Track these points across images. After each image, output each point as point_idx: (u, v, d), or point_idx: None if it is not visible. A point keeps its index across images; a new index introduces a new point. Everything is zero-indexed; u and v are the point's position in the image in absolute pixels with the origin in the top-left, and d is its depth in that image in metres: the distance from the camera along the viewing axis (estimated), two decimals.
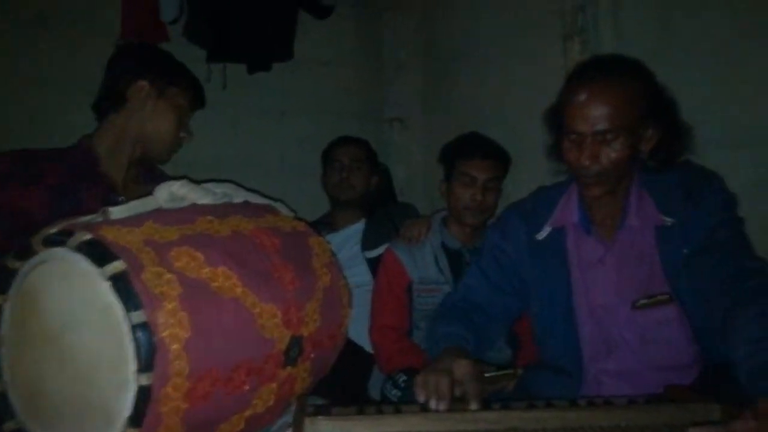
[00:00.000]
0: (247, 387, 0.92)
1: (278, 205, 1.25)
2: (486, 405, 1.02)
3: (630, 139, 1.24)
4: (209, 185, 1.16)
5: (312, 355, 1.06)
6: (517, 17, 2.07)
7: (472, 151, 1.79)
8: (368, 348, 1.86)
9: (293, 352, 1.01)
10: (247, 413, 0.95)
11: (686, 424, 0.89)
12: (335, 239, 2.13)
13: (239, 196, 1.17)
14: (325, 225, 2.20)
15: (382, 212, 2.13)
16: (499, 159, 1.81)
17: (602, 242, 1.36)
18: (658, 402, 1.05)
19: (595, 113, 1.22)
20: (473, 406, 1.01)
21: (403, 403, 1.12)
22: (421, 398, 1.04)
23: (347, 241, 2.11)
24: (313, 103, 2.66)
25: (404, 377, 1.53)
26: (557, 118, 1.32)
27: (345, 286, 1.21)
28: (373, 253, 2.01)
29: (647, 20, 1.69)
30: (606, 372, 1.33)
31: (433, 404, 1.02)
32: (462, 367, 1.10)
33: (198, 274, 0.89)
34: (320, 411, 0.98)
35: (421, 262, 1.82)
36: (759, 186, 1.48)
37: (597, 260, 1.35)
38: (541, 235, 1.41)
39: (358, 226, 2.13)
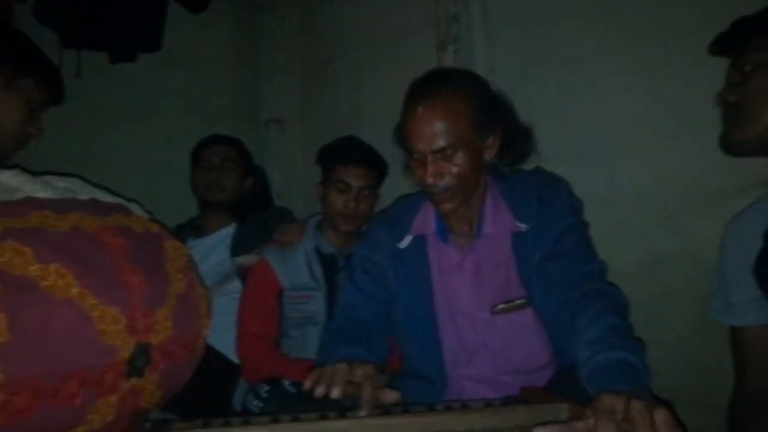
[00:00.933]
0: (79, 400, 0.84)
1: (132, 205, 1.17)
2: (342, 413, 1.01)
3: (470, 151, 1.28)
4: (49, 178, 1.06)
5: (162, 366, 0.99)
6: (395, 23, 2.11)
7: (348, 157, 1.78)
8: (236, 358, 1.80)
9: (139, 361, 0.94)
10: (80, 430, 0.87)
11: (537, 425, 0.92)
12: (203, 244, 2.05)
13: (85, 193, 1.08)
14: (192, 229, 2.10)
15: (256, 216, 2.07)
16: (375, 166, 1.81)
17: (460, 250, 1.40)
18: (513, 404, 1.08)
19: (430, 131, 1.25)
20: (363, 411, 1.00)
21: (268, 413, 1.08)
22: (308, 384, 1.03)
23: (216, 246, 2.03)
24: (184, 100, 2.54)
25: (267, 387, 1.48)
26: (402, 136, 1.35)
27: (203, 294, 1.15)
28: (244, 259, 1.94)
29: (513, 32, 1.77)
30: (468, 377, 1.36)
31: (319, 390, 1.01)
32: (364, 369, 1.10)
33: (24, 271, 0.81)
34: (159, 426, 0.92)
35: (294, 268, 1.79)
36: (608, 193, 1.60)
37: (455, 267, 1.39)
38: (403, 243, 1.43)
39: (228, 231, 2.05)
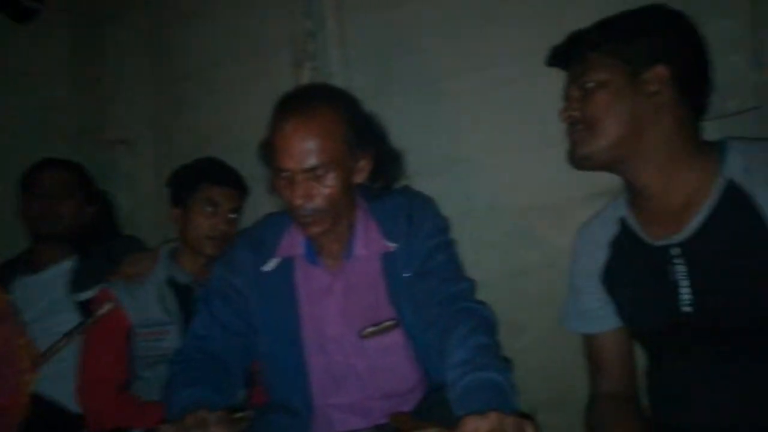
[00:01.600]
0: None
1: None
2: None
3: (342, 172, 1.24)
4: None
5: None
6: (251, 39, 2.03)
7: (218, 177, 1.69)
8: (77, 408, 1.61)
9: None
10: None
11: None
12: (37, 281, 1.83)
13: None
14: (23, 265, 1.87)
15: (100, 247, 1.87)
16: (242, 188, 1.74)
17: (330, 272, 1.35)
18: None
19: (301, 149, 1.20)
20: None
21: None
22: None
23: (52, 283, 1.81)
24: (14, 118, 2.28)
25: None
26: (269, 153, 1.28)
27: (25, 345, 0.99)
28: (85, 296, 1.74)
29: (370, 50, 1.77)
30: (336, 406, 1.31)
31: None
32: (212, 416, 1.04)
33: None
34: None
35: (143, 303, 1.63)
36: (465, 207, 1.62)
37: (325, 291, 1.34)
38: (268, 266, 1.35)
39: (66, 265, 1.84)
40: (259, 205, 1.77)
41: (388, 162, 1.37)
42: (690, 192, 1.11)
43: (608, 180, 1.22)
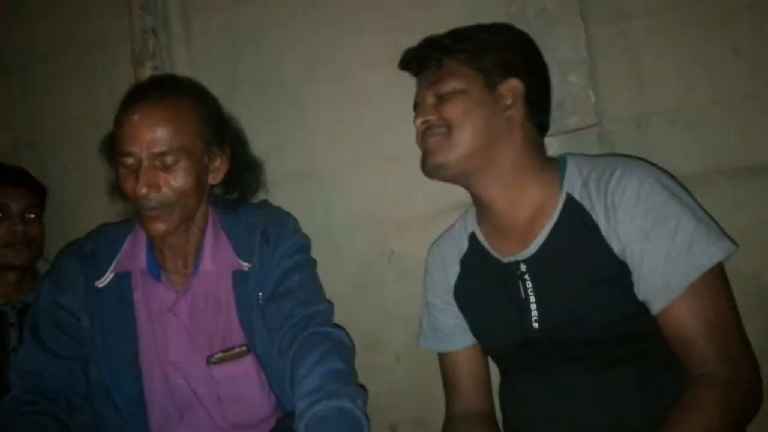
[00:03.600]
0: None
1: None
2: None
3: (195, 166, 1.17)
4: None
5: None
6: (84, 34, 1.85)
7: (2, 177, 1.56)
8: None
9: None
10: None
11: None
12: None
13: None
14: None
15: None
16: (32, 185, 1.61)
17: (174, 289, 1.25)
18: None
19: (151, 132, 1.12)
20: None
21: None
22: None
23: None
24: None
25: None
26: (113, 146, 1.19)
27: None
28: None
29: (216, 50, 1.69)
30: None
31: None
32: None
33: None
34: None
35: None
36: (323, 218, 1.59)
37: (168, 310, 1.24)
38: (103, 282, 1.23)
39: None
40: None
41: (245, 169, 1.31)
42: (535, 208, 1.14)
43: (459, 193, 1.24)
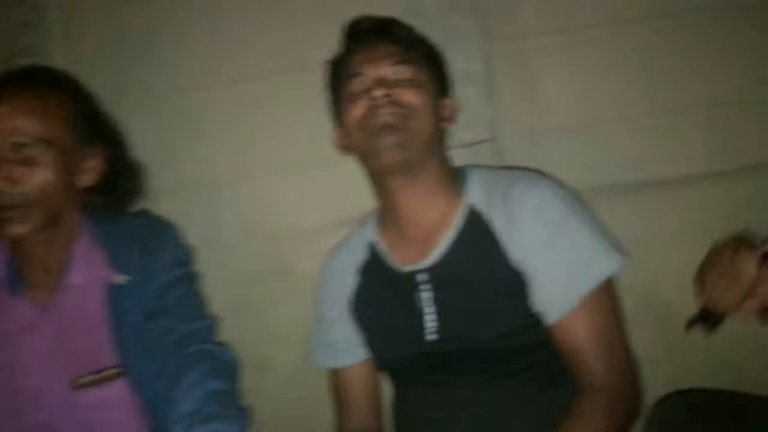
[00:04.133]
0: None
1: None
2: None
3: (62, 163, 1.07)
4: None
5: None
6: None
7: None
8: None
9: None
10: None
11: None
12: None
13: None
14: None
15: None
16: None
17: (37, 305, 1.13)
18: None
19: (12, 120, 1.04)
20: None
21: None
22: None
23: None
24: None
25: None
26: None
27: None
28: None
29: (101, 52, 1.57)
30: None
31: None
32: None
33: None
34: None
35: None
36: (212, 230, 1.51)
37: (28, 328, 1.12)
38: None
39: None
40: None
41: (123, 173, 1.22)
42: (438, 217, 1.14)
43: (359, 206, 1.20)
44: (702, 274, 0.91)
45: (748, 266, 0.85)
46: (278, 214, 1.50)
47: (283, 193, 1.49)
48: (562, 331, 1.04)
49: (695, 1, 1.39)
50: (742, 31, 1.37)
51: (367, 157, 1.13)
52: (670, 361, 1.31)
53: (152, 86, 1.54)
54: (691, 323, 0.93)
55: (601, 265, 1.05)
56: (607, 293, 1.06)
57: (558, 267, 1.04)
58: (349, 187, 1.30)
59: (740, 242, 0.88)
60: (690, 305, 0.94)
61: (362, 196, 1.23)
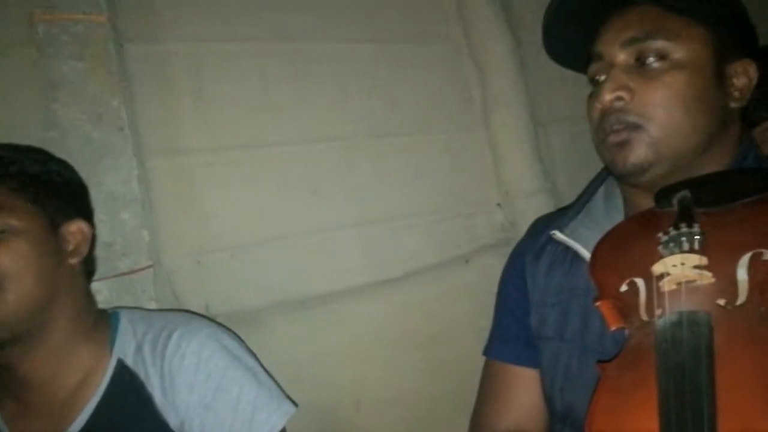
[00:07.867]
0: None
1: None
2: None
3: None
4: None
5: None
6: None
7: None
8: None
9: None
10: None
11: None
12: None
13: None
14: None
15: None
16: None
17: None
18: None
19: None
20: None
21: None
22: None
23: None
24: None
25: None
26: None
27: None
28: None
29: None
30: None
31: None
32: None
33: None
34: None
35: None
36: None
37: None
38: None
39: None
40: None
41: None
42: (81, 377, 0.97)
43: None
44: None
45: None
46: None
47: None
48: None
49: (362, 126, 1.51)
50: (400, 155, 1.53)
51: None
52: None
53: None
54: None
55: (269, 422, 0.99)
56: None
57: (223, 428, 0.97)
58: None
59: None
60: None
61: None
